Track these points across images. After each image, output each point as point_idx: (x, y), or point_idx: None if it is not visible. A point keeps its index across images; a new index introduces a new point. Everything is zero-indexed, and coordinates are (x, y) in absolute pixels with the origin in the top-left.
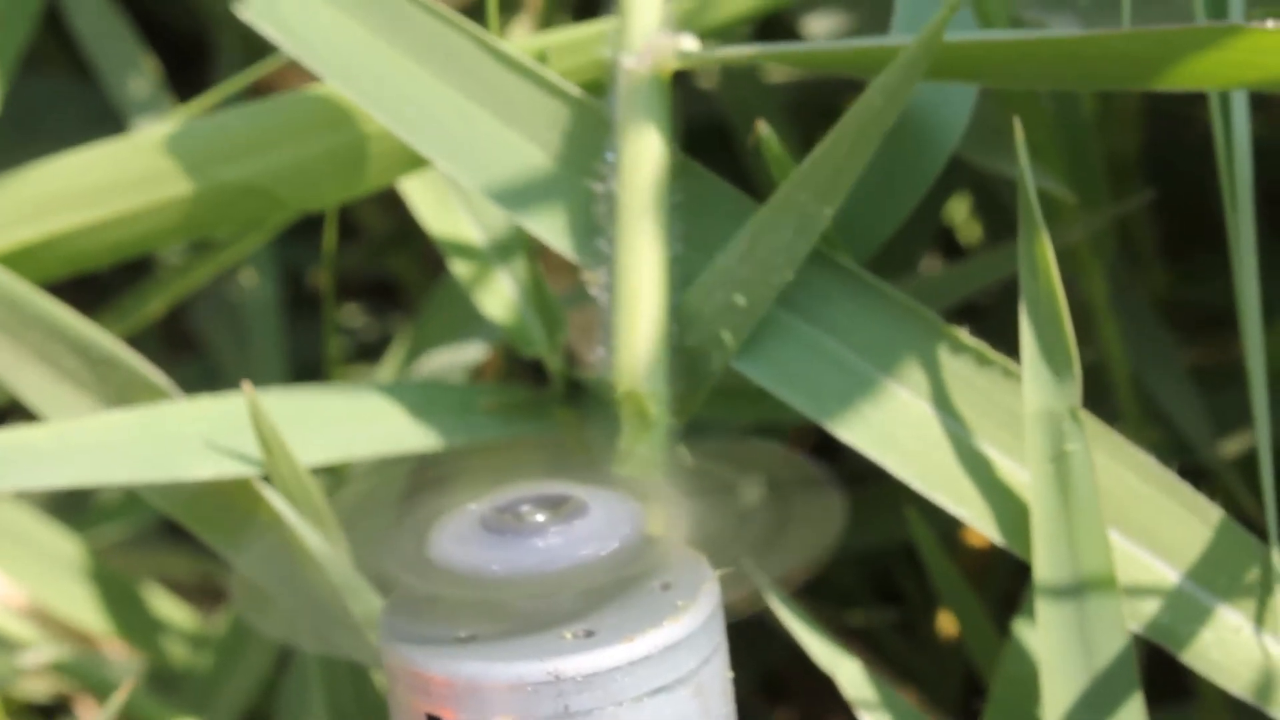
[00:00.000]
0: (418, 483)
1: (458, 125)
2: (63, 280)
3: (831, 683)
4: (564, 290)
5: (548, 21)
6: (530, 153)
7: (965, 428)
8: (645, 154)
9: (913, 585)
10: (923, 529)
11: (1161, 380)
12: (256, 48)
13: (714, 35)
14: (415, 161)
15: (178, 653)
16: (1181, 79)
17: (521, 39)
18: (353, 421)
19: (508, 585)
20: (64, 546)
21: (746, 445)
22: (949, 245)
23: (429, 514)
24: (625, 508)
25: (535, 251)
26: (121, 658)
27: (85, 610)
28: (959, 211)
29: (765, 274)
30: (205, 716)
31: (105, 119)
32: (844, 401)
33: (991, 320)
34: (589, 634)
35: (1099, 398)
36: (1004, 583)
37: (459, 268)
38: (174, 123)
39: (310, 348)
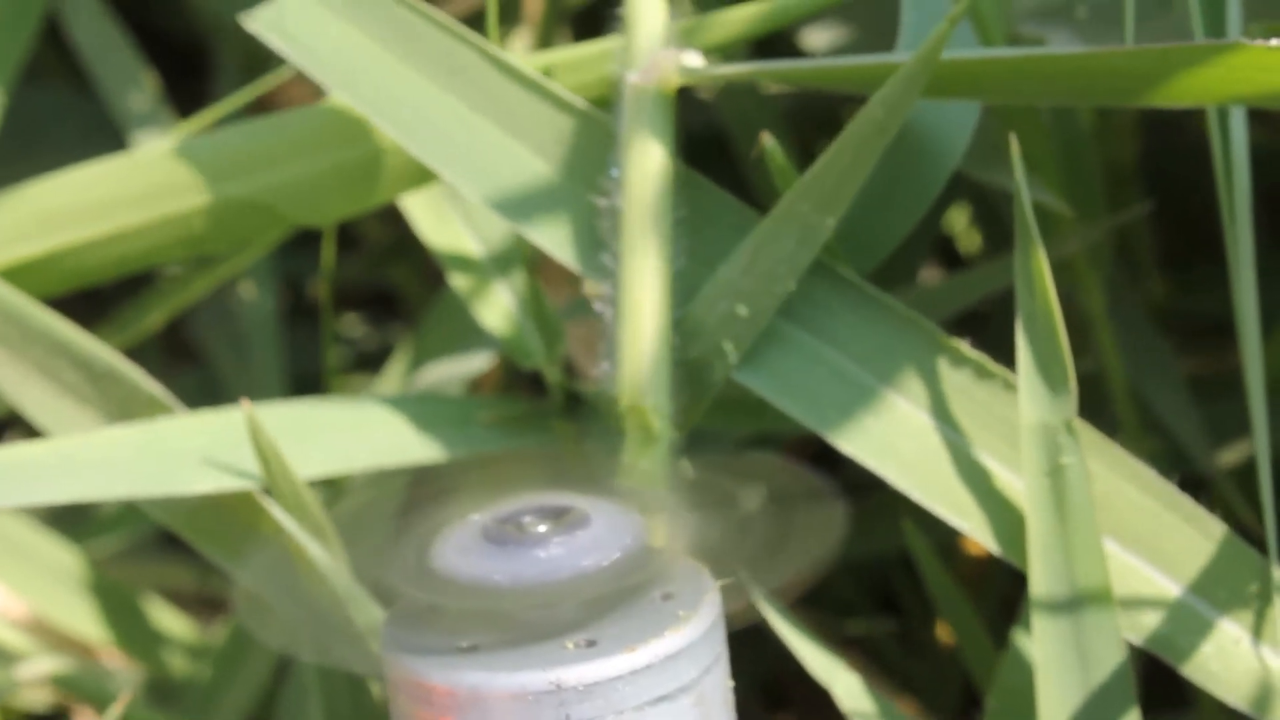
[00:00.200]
0: (417, 495)
1: (464, 137)
2: (64, 294)
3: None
4: (562, 302)
5: (547, 33)
6: (536, 165)
7: (964, 438)
8: (649, 169)
9: (911, 595)
10: (920, 539)
11: (1159, 390)
12: (257, 60)
13: (716, 50)
14: (419, 177)
15: (176, 663)
16: (1180, 95)
17: (528, 54)
18: (352, 433)
19: (510, 596)
20: (63, 557)
21: (746, 456)
22: (949, 255)
23: (430, 525)
24: (626, 518)
25: (534, 264)
26: (120, 668)
27: (84, 621)
28: (958, 221)
29: (768, 284)
30: None
31: (105, 131)
32: (844, 412)
33: (992, 329)
34: (591, 644)
35: (1097, 408)
36: (1002, 592)
37: (458, 280)
38: (176, 138)
39: (310, 358)
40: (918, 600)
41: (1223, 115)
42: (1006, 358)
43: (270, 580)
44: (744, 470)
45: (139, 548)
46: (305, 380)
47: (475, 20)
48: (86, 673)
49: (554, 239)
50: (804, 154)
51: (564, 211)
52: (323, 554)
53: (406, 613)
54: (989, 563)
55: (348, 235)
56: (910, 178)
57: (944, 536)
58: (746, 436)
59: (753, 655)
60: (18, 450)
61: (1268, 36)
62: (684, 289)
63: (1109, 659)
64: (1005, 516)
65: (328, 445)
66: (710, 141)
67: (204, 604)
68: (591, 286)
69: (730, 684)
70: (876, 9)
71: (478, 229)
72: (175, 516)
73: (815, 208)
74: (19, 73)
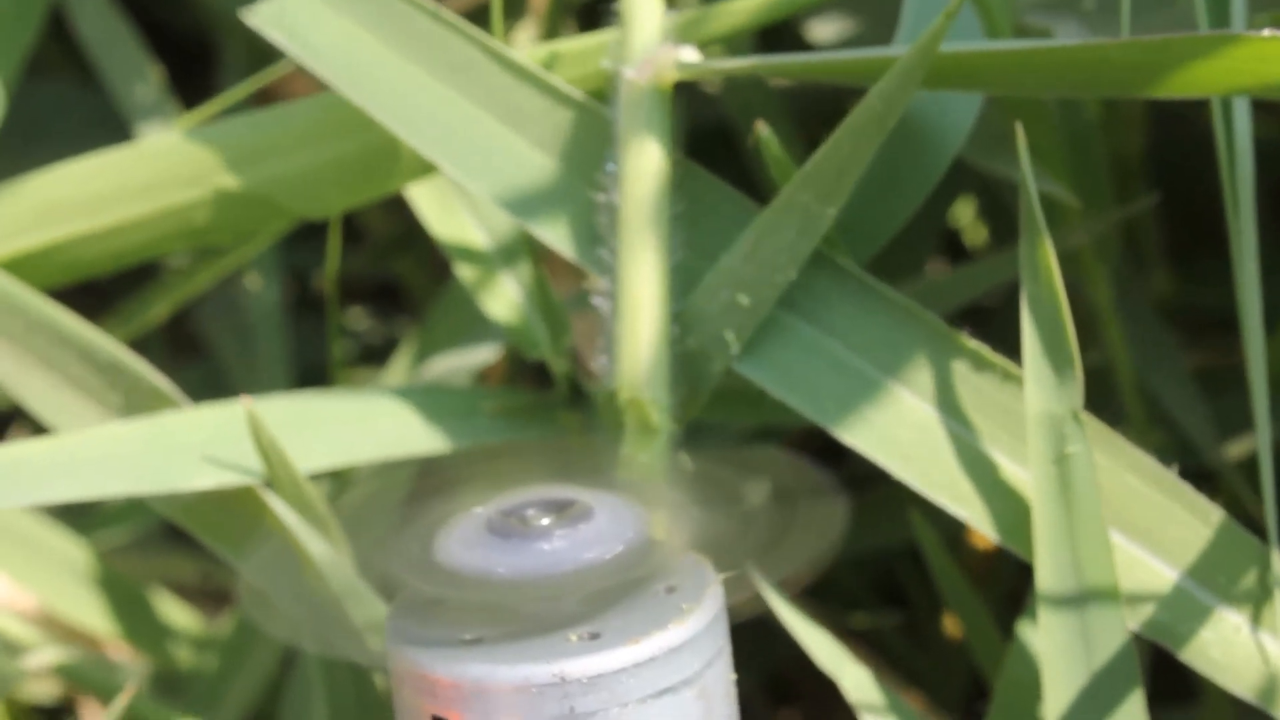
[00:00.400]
0: (422, 487)
1: (464, 131)
2: (67, 286)
3: (835, 685)
4: (568, 294)
5: (552, 27)
6: (536, 159)
7: (968, 430)
8: (646, 165)
9: (916, 588)
10: (927, 531)
11: (1166, 383)
12: (261, 54)
13: (717, 43)
14: (419, 169)
15: (182, 655)
16: (1184, 86)
17: (527, 47)
18: (356, 425)
19: (513, 588)
20: (70, 551)
21: (749, 450)
22: (955, 248)
23: (434, 518)
24: (630, 511)
25: (539, 255)
26: (126, 661)
27: (90, 613)
28: (965, 214)
29: (769, 274)
30: (209, 719)
31: (109, 124)
32: (846, 404)
33: (995, 325)
34: (594, 636)
35: (1103, 400)
36: (1008, 584)
37: (464, 271)
38: (179, 130)
39: (315, 351)
40: (923, 593)
41: (1226, 107)
42: (1010, 353)
43: (272, 574)
44: (747, 464)
45: (144, 541)
46: (311, 373)
47: (480, 13)
48: (92, 664)
49: (554, 232)
50: (810, 148)
51: (563, 205)
52: (323, 548)
53: (410, 605)
54: (993, 558)
55: (352, 228)
56: (911, 164)
57: (948, 531)
58: (750, 431)
59: (757, 649)
60: (21, 448)
61: (1273, 27)
62: (683, 281)
63: (1115, 648)
64: (1009, 507)
65: (332, 437)
66: (716, 137)
67: (209, 597)
68: (593, 280)
69: (733, 677)
70: (881, 1)
71: (483, 220)
72: (179, 510)
73: (816, 197)
74: (24, 66)
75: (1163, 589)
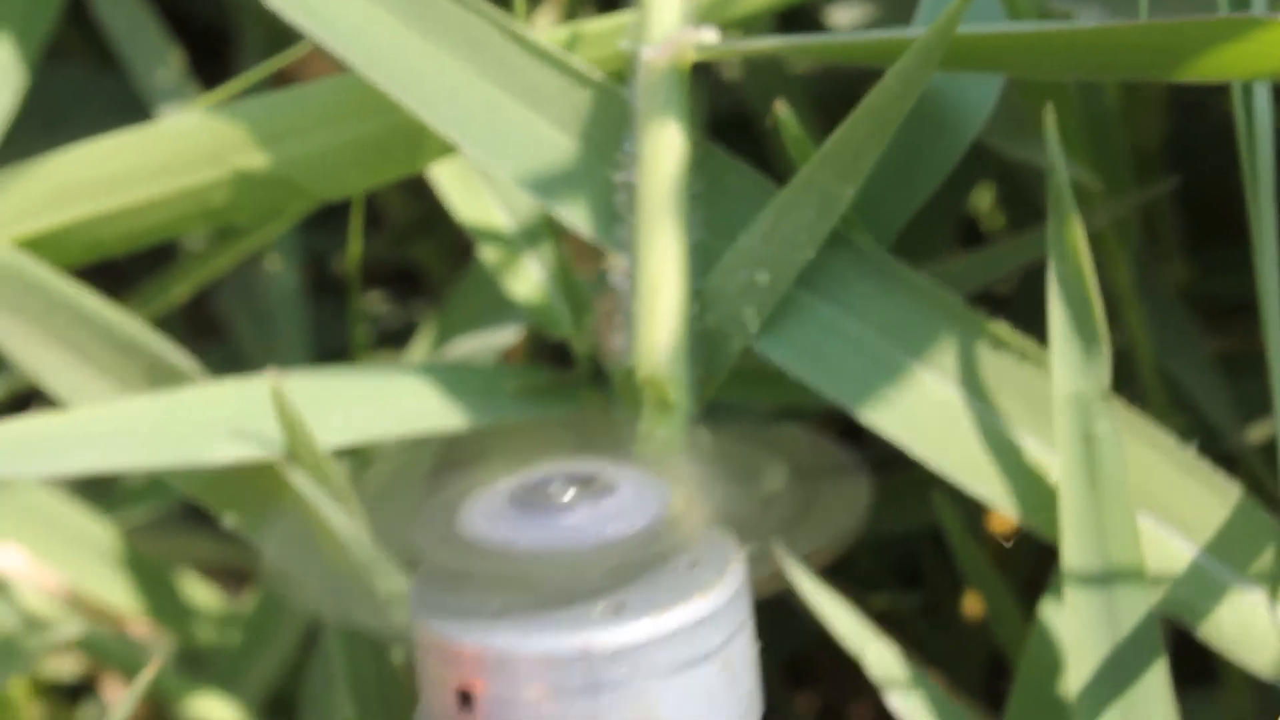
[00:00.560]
0: (444, 462)
1: (484, 112)
2: (86, 266)
3: (855, 666)
4: (590, 274)
5: (572, 8)
6: (556, 139)
7: (990, 410)
8: (664, 146)
9: (937, 570)
10: (950, 513)
11: (1187, 368)
12: (280, 37)
13: (737, 26)
14: (439, 150)
15: (204, 633)
16: (1203, 70)
17: (548, 29)
18: (378, 402)
19: (536, 562)
20: (94, 529)
21: (772, 429)
22: (974, 238)
23: (457, 492)
24: (653, 486)
25: (561, 235)
26: (148, 637)
27: (113, 590)
28: (983, 201)
29: (788, 252)
30: (232, 695)
31: (130, 109)
32: (867, 384)
33: (1012, 311)
34: (619, 609)
35: (1124, 384)
36: (1027, 569)
37: (486, 252)
38: (198, 111)
39: (334, 334)
40: (943, 575)
41: (1247, 92)
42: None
43: (293, 550)
44: (769, 443)
45: (166, 520)
46: (331, 356)
47: None
48: (115, 640)
49: (574, 212)
50: (828, 134)
51: (583, 185)
52: (344, 520)
53: (435, 577)
54: (1011, 546)
55: (371, 212)
56: (930, 146)
57: (968, 514)
58: (772, 411)
59: (776, 631)
60: (40, 421)
61: None
62: (702, 261)
63: (1140, 626)
64: (1033, 488)
65: (354, 413)
66: (736, 122)
67: (231, 574)
68: (612, 259)
69: (756, 651)
70: None
71: (505, 201)
72: (199, 486)
73: (835, 176)
74: (44, 52)
75: (1181, 566)
